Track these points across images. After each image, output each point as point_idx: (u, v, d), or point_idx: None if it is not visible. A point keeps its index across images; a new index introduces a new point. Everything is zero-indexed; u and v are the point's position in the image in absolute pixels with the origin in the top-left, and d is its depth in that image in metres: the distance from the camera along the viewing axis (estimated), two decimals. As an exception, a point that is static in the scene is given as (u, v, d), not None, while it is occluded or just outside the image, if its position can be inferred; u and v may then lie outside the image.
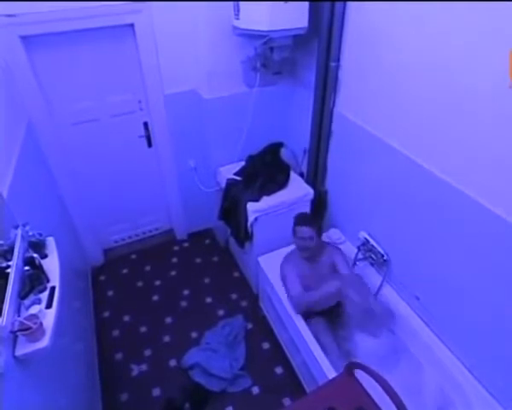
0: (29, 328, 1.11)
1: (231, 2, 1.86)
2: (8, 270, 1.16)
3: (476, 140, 1.33)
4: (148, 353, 2.30)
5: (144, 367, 2.22)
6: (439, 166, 1.52)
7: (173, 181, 2.78)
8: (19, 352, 1.11)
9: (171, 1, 2.05)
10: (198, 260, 2.97)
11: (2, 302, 1.08)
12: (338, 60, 1.92)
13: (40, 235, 1.43)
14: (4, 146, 1.56)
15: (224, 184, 2.43)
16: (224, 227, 2.65)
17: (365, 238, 2.10)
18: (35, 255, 1.30)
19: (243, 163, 2.50)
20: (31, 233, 1.39)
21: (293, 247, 2.14)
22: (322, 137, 2.23)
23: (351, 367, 1.24)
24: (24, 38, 1.91)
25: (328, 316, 2.00)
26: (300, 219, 2.00)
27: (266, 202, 2.23)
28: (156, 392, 2.09)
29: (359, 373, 1.23)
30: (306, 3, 1.79)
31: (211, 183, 2.68)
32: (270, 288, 2.17)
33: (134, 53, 2.23)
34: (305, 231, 1.93)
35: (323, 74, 2.01)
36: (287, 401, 2.03)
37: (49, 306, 1.24)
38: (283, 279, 2.04)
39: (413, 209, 1.73)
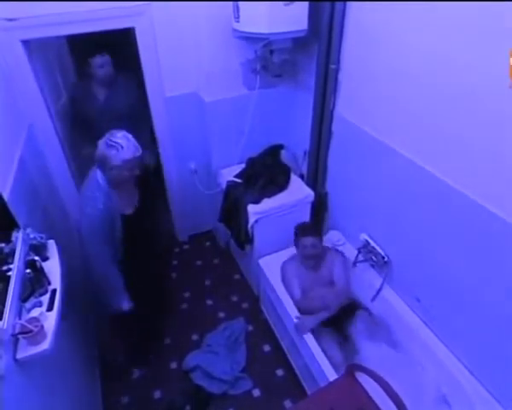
0: (30, 331, 1.11)
1: (231, 6, 1.87)
2: (10, 273, 1.16)
3: (477, 141, 1.33)
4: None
5: (145, 370, 2.21)
6: (439, 167, 1.52)
7: (174, 183, 2.78)
8: (20, 355, 1.11)
9: (171, 1, 2.06)
10: (198, 263, 2.97)
11: (4, 305, 1.08)
12: (338, 62, 1.93)
13: (41, 237, 1.43)
14: (5, 149, 1.57)
15: (224, 187, 2.43)
16: (225, 229, 2.65)
17: (366, 240, 2.10)
18: (36, 258, 1.30)
19: (244, 165, 2.50)
20: (32, 236, 1.39)
21: (293, 250, 2.15)
22: (323, 139, 2.23)
23: (352, 369, 1.24)
24: (25, 42, 1.91)
25: (335, 326, 1.98)
26: (303, 230, 2.01)
27: (267, 204, 2.23)
28: (157, 395, 2.09)
29: (360, 375, 1.23)
30: (306, 6, 1.80)
31: (211, 185, 2.68)
32: (270, 290, 2.17)
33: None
34: (309, 240, 1.95)
35: (323, 77, 2.02)
36: (288, 404, 2.02)
37: (50, 308, 1.25)
38: (283, 281, 2.08)
39: (413, 211, 1.73)
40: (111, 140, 1.51)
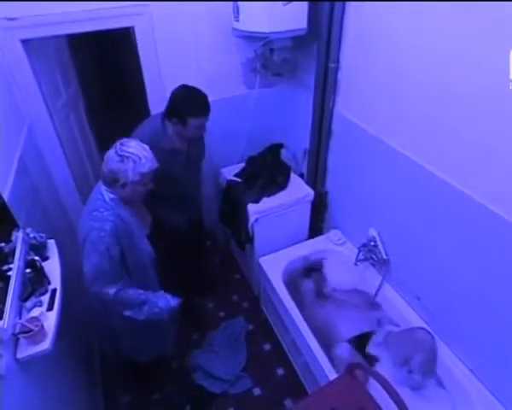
0: (30, 330, 1.11)
1: (231, 5, 1.87)
2: (10, 272, 1.16)
3: (478, 141, 1.33)
4: (149, 355, 2.29)
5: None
6: (439, 166, 1.52)
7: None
8: (20, 354, 1.11)
9: (171, 1, 2.05)
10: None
11: (4, 305, 1.08)
12: (337, 61, 1.93)
13: (41, 237, 1.44)
14: (5, 148, 1.57)
15: (224, 186, 2.43)
16: (225, 229, 2.65)
17: (366, 239, 2.09)
18: (36, 258, 1.31)
19: (244, 164, 2.50)
20: (32, 235, 1.39)
21: (293, 250, 2.16)
22: (323, 138, 2.23)
23: (352, 368, 1.24)
24: (25, 42, 1.91)
25: None
26: None
27: (266, 203, 2.23)
28: (157, 395, 2.09)
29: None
30: (306, 5, 1.80)
31: (212, 184, 2.68)
32: (271, 289, 2.17)
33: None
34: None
35: (323, 75, 2.02)
36: (288, 403, 2.03)
37: (50, 308, 1.25)
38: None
39: (413, 209, 1.73)
40: (124, 151, 1.30)
